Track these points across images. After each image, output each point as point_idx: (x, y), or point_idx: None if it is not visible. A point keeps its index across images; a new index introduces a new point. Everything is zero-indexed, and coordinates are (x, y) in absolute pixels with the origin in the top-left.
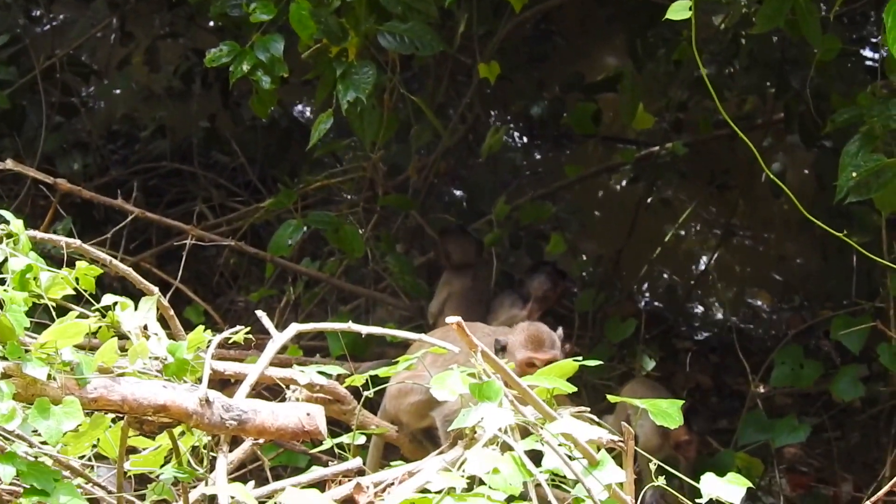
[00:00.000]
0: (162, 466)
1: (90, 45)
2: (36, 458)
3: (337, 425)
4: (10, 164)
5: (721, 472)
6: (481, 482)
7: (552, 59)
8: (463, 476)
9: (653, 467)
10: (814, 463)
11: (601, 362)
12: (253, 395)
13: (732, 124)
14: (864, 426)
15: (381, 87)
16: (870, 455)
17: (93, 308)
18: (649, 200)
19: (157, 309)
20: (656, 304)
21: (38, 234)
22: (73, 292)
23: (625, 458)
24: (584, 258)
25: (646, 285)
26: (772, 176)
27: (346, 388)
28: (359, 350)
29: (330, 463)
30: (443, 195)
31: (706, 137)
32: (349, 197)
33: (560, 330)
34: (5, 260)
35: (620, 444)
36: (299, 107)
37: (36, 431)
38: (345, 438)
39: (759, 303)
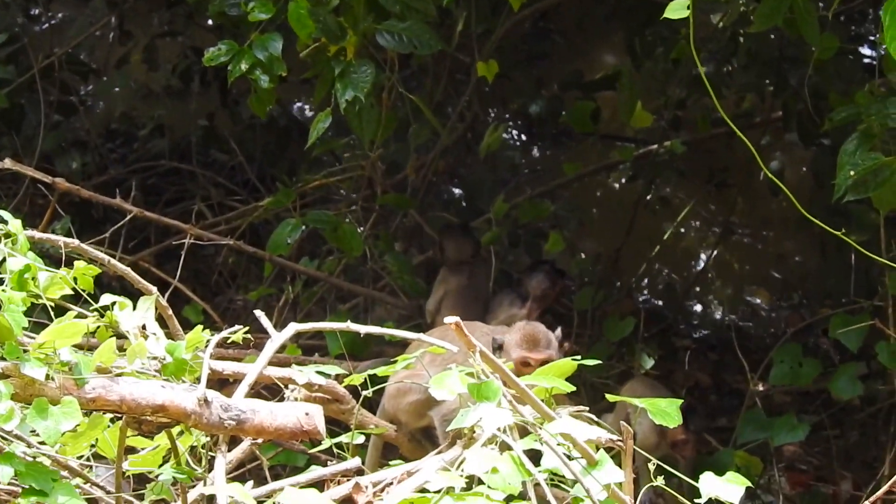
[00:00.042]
0: (160, 466)
1: (89, 43)
2: (34, 458)
3: (336, 424)
4: (8, 163)
5: (720, 471)
6: (480, 482)
7: (551, 57)
8: (462, 476)
9: (652, 467)
10: (813, 461)
11: (599, 361)
12: (251, 395)
13: (730, 123)
14: (862, 424)
15: (380, 86)
16: (869, 453)
17: (91, 308)
18: (648, 198)
19: (156, 308)
20: (655, 302)
21: (37, 234)
22: (72, 292)
23: (624, 458)
24: (583, 256)
25: (645, 282)
26: (770, 175)
27: (345, 387)
28: (357, 349)
29: (329, 462)
30: (441, 193)
31: (705, 136)
32: (352, 195)
33: (559, 330)
34: (3, 260)
35: (619, 443)
36: (298, 105)
37: (34, 431)
38: (343, 438)
39: (758, 301)
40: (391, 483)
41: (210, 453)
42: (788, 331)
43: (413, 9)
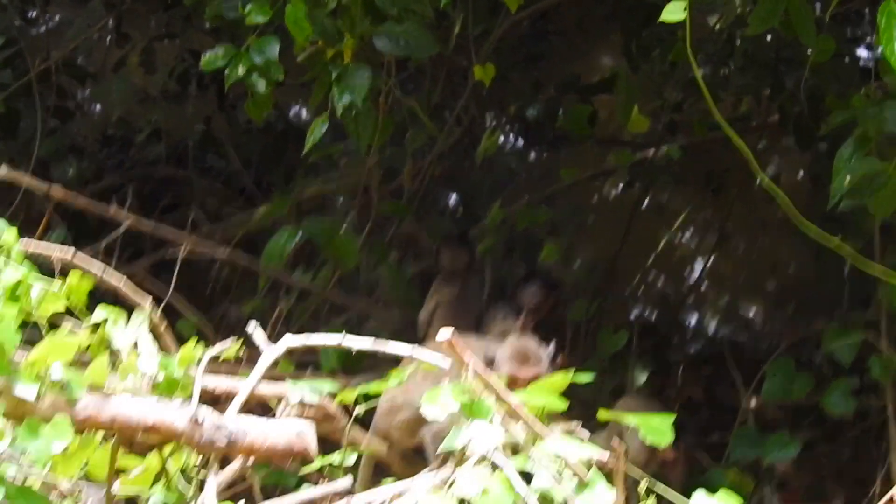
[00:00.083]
0: (151, 486)
1: (86, 46)
2: (26, 478)
3: (328, 442)
4: (3, 171)
5: (712, 489)
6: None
7: (548, 58)
8: (453, 496)
9: (643, 485)
10: (805, 477)
11: (592, 378)
12: (244, 411)
13: (727, 128)
14: (855, 440)
15: (377, 90)
16: (861, 469)
17: (84, 324)
18: (644, 205)
19: (150, 321)
20: (650, 313)
21: (31, 245)
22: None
23: (616, 477)
24: (579, 263)
25: (640, 292)
26: (767, 181)
27: (337, 404)
28: (351, 363)
29: (320, 482)
30: (438, 200)
31: (701, 140)
32: (349, 201)
33: (552, 345)
34: None
35: (612, 461)
36: (295, 109)
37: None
38: (335, 457)
39: (752, 313)
40: (382, 503)
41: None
42: (782, 344)
43: (410, 11)
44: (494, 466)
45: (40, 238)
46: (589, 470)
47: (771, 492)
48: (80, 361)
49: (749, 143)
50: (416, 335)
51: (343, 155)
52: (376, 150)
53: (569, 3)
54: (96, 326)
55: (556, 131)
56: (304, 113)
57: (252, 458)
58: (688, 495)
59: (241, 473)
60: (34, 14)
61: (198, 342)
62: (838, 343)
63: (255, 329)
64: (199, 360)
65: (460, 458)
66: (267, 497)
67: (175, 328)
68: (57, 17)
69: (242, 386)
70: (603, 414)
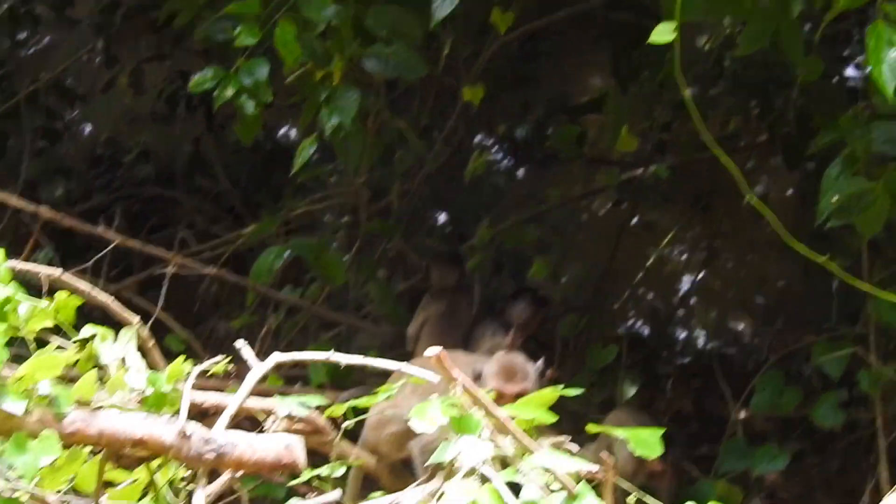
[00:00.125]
0: (139, 500)
1: (75, 68)
2: (14, 492)
3: (316, 455)
4: None
5: (702, 501)
6: None
7: (538, 79)
8: None
9: (633, 497)
10: (794, 489)
11: (581, 392)
12: (232, 426)
13: (715, 149)
14: (844, 452)
15: (366, 111)
16: (850, 481)
17: (72, 339)
18: (633, 223)
19: (138, 338)
20: (638, 328)
21: (18, 265)
22: (53, 323)
23: (604, 489)
24: (568, 279)
25: (629, 307)
26: (755, 200)
27: (326, 418)
28: (340, 378)
29: (308, 495)
30: (426, 219)
31: (690, 159)
32: (337, 221)
33: (540, 361)
34: None
35: (601, 474)
36: (284, 129)
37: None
38: (324, 470)
39: (741, 327)
40: None
41: (190, 485)
42: (771, 357)
43: (399, 33)
44: (483, 479)
45: (28, 258)
46: (578, 483)
47: (760, 502)
48: (68, 377)
49: (737, 163)
50: (405, 349)
51: (332, 174)
52: (365, 170)
53: (558, 25)
54: (84, 343)
55: (545, 151)
56: (292, 133)
57: (240, 472)
58: None
59: (230, 486)
60: (23, 36)
61: (186, 357)
62: (827, 357)
63: (243, 346)
64: (188, 376)
65: (449, 471)
66: None
67: (164, 344)
68: (46, 39)
69: (231, 400)
70: (592, 427)
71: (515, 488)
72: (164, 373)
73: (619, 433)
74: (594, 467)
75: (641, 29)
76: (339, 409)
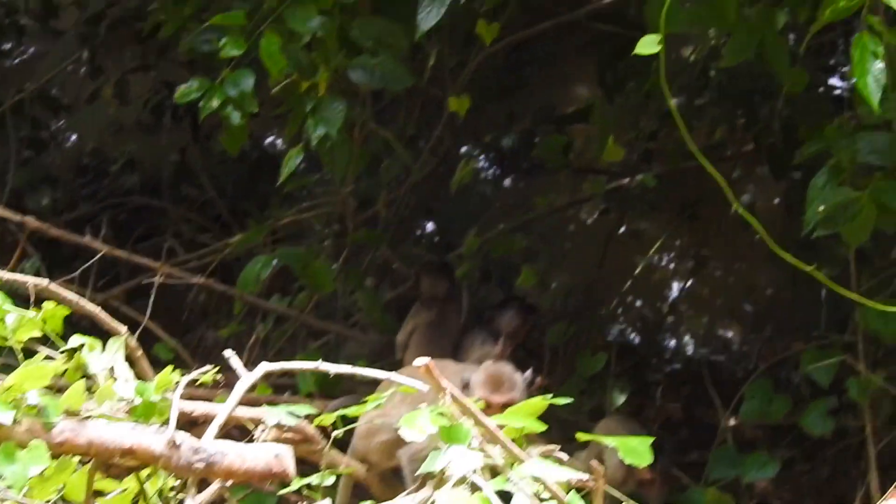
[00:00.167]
0: None
1: (60, 78)
2: (2, 501)
3: (306, 464)
4: None
5: None
6: None
7: (524, 89)
8: None
9: None
10: (784, 496)
11: (570, 400)
12: (221, 435)
13: (701, 159)
14: (834, 459)
15: (352, 122)
16: (840, 488)
17: (60, 349)
18: (620, 232)
19: (126, 347)
20: (628, 335)
21: (5, 275)
22: (41, 334)
23: (595, 497)
24: (556, 287)
25: (618, 314)
26: (742, 210)
27: (315, 427)
28: (329, 387)
29: (299, 503)
30: (414, 228)
31: (676, 169)
32: (324, 230)
33: (528, 371)
34: None
35: (591, 482)
36: (270, 138)
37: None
38: (314, 479)
39: (730, 334)
40: None
41: (179, 495)
42: (760, 365)
43: (385, 44)
44: (474, 488)
45: (14, 268)
46: (568, 492)
47: None
48: (57, 387)
49: (724, 172)
50: (394, 358)
51: (318, 184)
52: (351, 180)
53: (544, 35)
54: (72, 353)
55: (532, 160)
56: (279, 142)
57: (230, 481)
58: None
59: (220, 496)
60: (8, 46)
61: (175, 367)
62: (816, 365)
63: (231, 356)
64: (177, 385)
65: (439, 480)
66: None
67: (152, 353)
68: (31, 50)
69: (220, 410)
70: (582, 436)
71: (506, 497)
72: (153, 382)
73: (609, 442)
74: (584, 476)
75: (627, 39)
76: (328, 418)
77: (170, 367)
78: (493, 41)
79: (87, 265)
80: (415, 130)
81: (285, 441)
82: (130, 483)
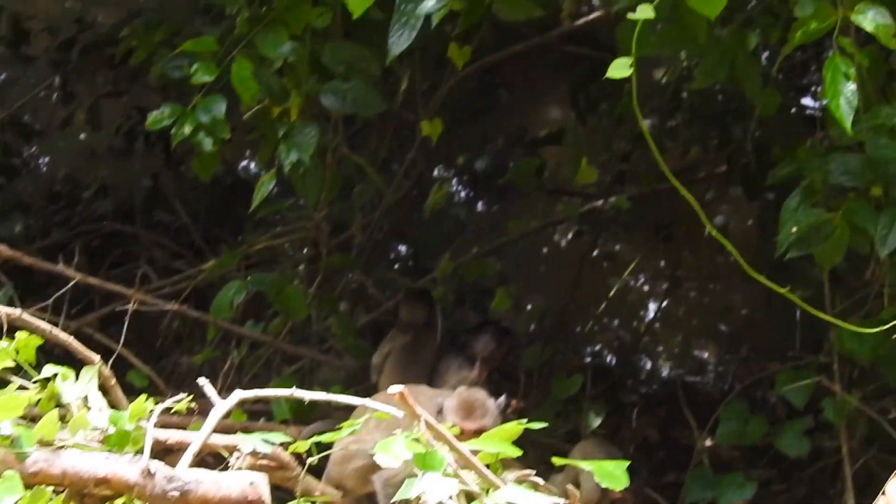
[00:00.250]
0: None
1: (32, 104)
2: None
3: (281, 491)
4: None
5: None
6: None
7: (496, 112)
8: None
9: None
10: None
11: (545, 424)
12: (196, 463)
13: (674, 181)
14: (811, 480)
15: (324, 147)
16: None
17: (34, 379)
18: (594, 254)
19: (99, 376)
20: (603, 357)
21: None
22: (14, 363)
23: None
24: (530, 310)
25: (593, 336)
26: (715, 233)
27: (291, 453)
28: (304, 412)
29: None
30: (388, 252)
31: (650, 190)
32: (298, 254)
33: (502, 397)
34: None
35: None
36: (243, 163)
37: None
38: None
39: (705, 355)
40: None
41: None
42: (736, 386)
43: (357, 69)
44: None
45: None
46: None
47: None
48: (30, 417)
49: (697, 193)
50: (368, 383)
51: (292, 209)
52: (325, 205)
53: (516, 58)
54: (45, 382)
55: (505, 183)
56: (252, 167)
57: None
58: None
59: None
60: None
61: (149, 394)
62: (792, 385)
63: (205, 383)
64: (150, 414)
65: None
66: None
67: (126, 380)
68: (2, 76)
69: (195, 438)
70: (557, 460)
71: None
72: (127, 411)
73: (585, 465)
74: (559, 501)
75: (599, 62)
76: (303, 445)
77: (143, 396)
78: (465, 64)
79: (60, 293)
80: (387, 154)
81: (260, 468)
82: None
